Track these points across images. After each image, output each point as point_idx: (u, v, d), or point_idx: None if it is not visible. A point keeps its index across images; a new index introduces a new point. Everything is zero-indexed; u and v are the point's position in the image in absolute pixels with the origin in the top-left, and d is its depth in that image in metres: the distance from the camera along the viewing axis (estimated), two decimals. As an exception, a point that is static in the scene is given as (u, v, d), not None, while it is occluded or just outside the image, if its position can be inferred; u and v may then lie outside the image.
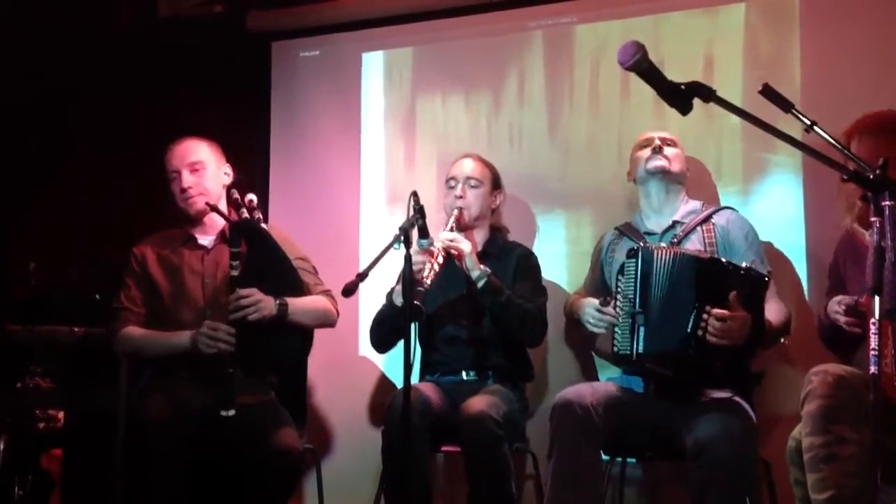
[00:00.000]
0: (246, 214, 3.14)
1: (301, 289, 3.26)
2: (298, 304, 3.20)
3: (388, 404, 3.15)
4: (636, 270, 2.96)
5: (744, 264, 2.90)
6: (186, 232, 3.39)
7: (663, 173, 3.25)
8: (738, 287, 2.81)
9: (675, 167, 3.27)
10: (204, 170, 3.33)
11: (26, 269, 4.18)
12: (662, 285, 2.92)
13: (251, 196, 3.18)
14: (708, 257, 2.97)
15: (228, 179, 3.40)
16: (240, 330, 3.06)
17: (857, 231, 2.89)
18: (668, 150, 3.27)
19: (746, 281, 2.85)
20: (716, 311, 2.78)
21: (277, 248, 3.21)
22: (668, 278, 2.91)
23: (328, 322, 3.36)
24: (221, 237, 3.35)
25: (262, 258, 3.17)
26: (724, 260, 2.92)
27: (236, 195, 3.19)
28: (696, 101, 1.97)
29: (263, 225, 3.20)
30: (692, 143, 3.54)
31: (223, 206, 3.31)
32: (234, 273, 3.08)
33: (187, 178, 3.30)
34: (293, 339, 3.24)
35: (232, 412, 2.97)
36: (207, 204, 3.26)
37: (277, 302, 3.12)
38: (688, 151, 3.41)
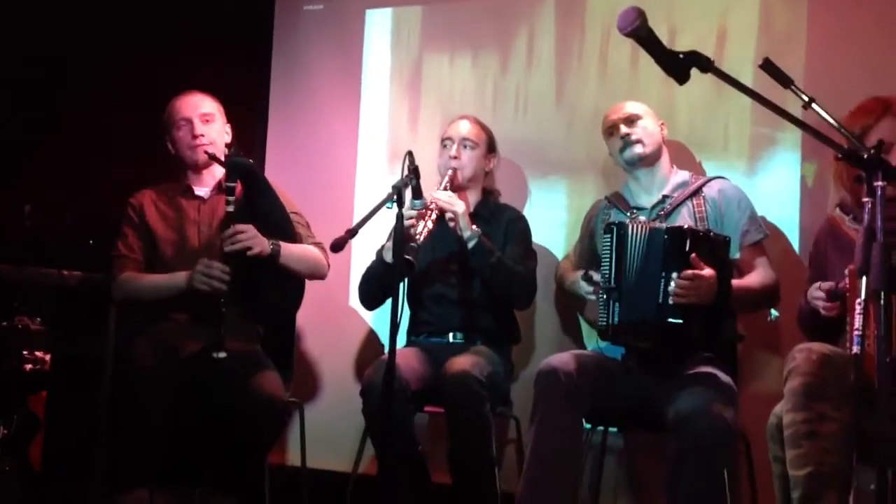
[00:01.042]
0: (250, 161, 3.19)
1: (294, 237, 3.28)
2: (291, 249, 3.22)
3: (366, 379, 3.16)
4: (611, 245, 2.97)
5: (704, 230, 2.95)
6: (183, 183, 3.42)
7: (641, 159, 3.24)
8: (700, 248, 2.84)
9: (650, 144, 3.24)
10: (214, 122, 3.37)
11: (21, 212, 4.17)
12: (635, 259, 2.94)
13: (248, 160, 3.21)
14: (669, 226, 2.97)
15: (228, 139, 3.42)
16: (234, 269, 3.07)
17: (838, 218, 2.88)
18: (636, 131, 3.23)
19: (706, 241, 2.88)
20: (683, 272, 2.81)
21: (273, 192, 3.22)
22: (641, 251, 2.94)
23: (319, 273, 3.37)
24: (218, 188, 3.36)
25: (256, 200, 3.18)
26: (684, 227, 2.93)
27: (232, 148, 3.22)
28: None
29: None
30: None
31: (223, 152, 3.31)
32: (230, 209, 3.09)
33: (200, 127, 3.33)
34: (285, 286, 3.25)
35: (223, 354, 2.99)
36: (206, 152, 3.27)
37: (271, 242, 3.13)
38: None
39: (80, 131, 4.53)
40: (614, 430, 3.47)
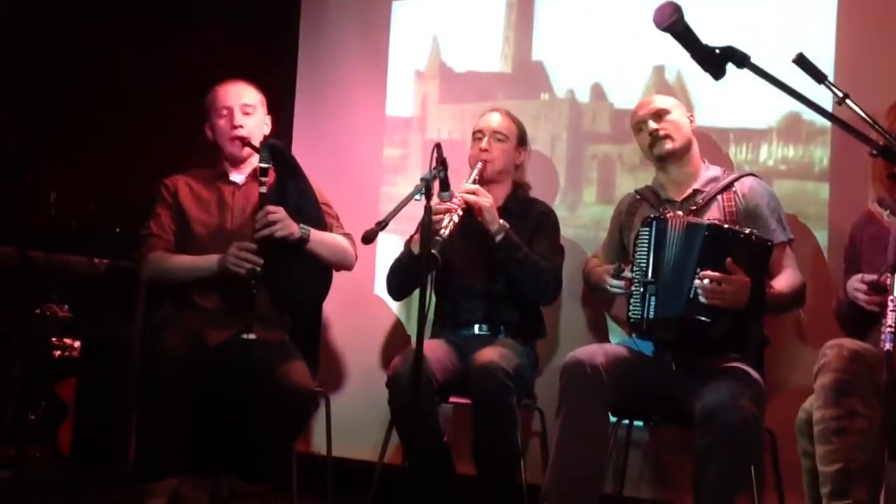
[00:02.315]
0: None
1: (324, 225, 3.30)
2: (320, 237, 3.23)
3: (392, 371, 3.18)
4: (650, 239, 2.96)
5: (746, 230, 2.90)
6: (219, 169, 3.42)
7: (671, 154, 3.23)
8: (737, 251, 2.82)
9: (679, 139, 3.22)
10: (254, 114, 3.37)
11: (47, 199, 4.20)
12: (673, 253, 2.93)
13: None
14: (709, 223, 2.96)
15: (268, 130, 3.43)
16: (264, 250, 3.08)
17: (876, 212, 2.87)
18: (665, 126, 3.21)
19: (746, 245, 2.85)
20: (707, 273, 2.79)
21: (305, 178, 3.24)
22: (679, 246, 2.92)
23: (346, 262, 3.38)
24: (253, 176, 3.35)
25: (289, 185, 3.19)
26: (726, 226, 2.91)
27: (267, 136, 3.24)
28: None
29: None
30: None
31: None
32: (263, 190, 3.11)
33: (240, 117, 3.33)
34: (312, 274, 3.26)
35: (253, 336, 3.00)
36: (242, 140, 3.28)
37: (301, 227, 3.14)
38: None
39: (105, 118, 4.55)
40: (639, 423, 3.47)
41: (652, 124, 3.22)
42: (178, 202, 3.34)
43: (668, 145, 3.21)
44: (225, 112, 3.34)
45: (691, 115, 3.32)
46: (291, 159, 3.22)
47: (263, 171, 3.11)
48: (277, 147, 3.17)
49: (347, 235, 3.39)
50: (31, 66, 4.52)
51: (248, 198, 3.31)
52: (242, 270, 3.07)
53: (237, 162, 3.40)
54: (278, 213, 3.10)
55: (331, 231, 3.34)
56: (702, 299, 2.81)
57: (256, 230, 3.09)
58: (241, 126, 3.31)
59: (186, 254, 3.28)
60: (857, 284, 2.73)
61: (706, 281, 2.80)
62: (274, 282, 3.15)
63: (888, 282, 2.46)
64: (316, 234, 3.20)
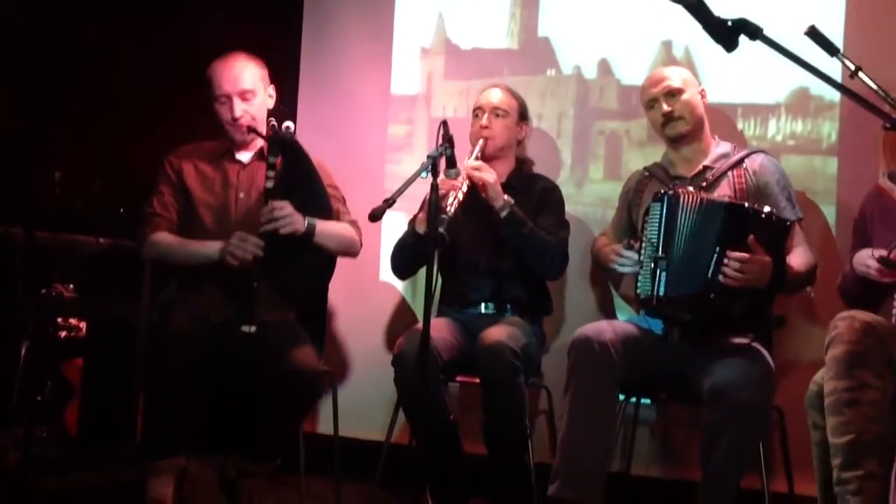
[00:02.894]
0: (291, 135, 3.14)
1: (330, 213, 3.26)
2: (326, 227, 3.20)
3: (397, 349, 3.17)
4: (661, 215, 2.94)
5: (766, 209, 2.87)
6: (224, 146, 3.36)
7: (684, 136, 3.20)
8: (758, 231, 2.79)
9: (692, 119, 3.19)
10: (255, 98, 3.29)
11: (52, 179, 4.18)
12: (686, 230, 2.90)
13: (288, 123, 3.17)
14: (729, 202, 2.93)
15: (272, 103, 3.37)
16: (268, 244, 3.06)
17: (887, 186, 2.85)
18: (678, 107, 3.17)
19: (768, 225, 2.83)
20: (735, 254, 2.77)
21: (312, 168, 3.20)
22: (692, 224, 2.90)
23: (351, 251, 3.36)
24: (258, 155, 3.33)
25: (296, 175, 3.15)
26: (745, 205, 2.89)
27: (273, 122, 3.17)
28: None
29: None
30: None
31: (263, 129, 3.29)
32: (269, 185, 3.08)
33: (239, 106, 3.24)
34: (317, 262, 3.24)
35: (253, 328, 2.98)
36: (249, 128, 3.24)
37: (307, 220, 3.12)
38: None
39: (110, 97, 4.53)
40: (647, 401, 3.47)
41: (665, 105, 3.18)
42: (182, 180, 3.30)
43: (682, 128, 3.18)
44: (224, 100, 3.26)
45: (703, 91, 3.28)
46: (299, 147, 3.17)
47: (271, 166, 3.08)
48: (282, 138, 3.12)
49: (353, 222, 3.36)
50: (36, 47, 4.50)
51: (254, 178, 3.28)
52: (237, 263, 3.04)
53: (241, 145, 3.37)
54: (284, 209, 3.06)
55: (338, 217, 3.31)
56: (721, 278, 2.78)
57: (262, 224, 3.06)
58: (241, 116, 3.24)
59: (189, 233, 3.25)
60: (867, 260, 2.71)
61: (732, 262, 2.77)
62: (277, 273, 3.12)
63: None
64: (322, 226, 3.17)
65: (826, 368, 2.56)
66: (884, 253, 2.67)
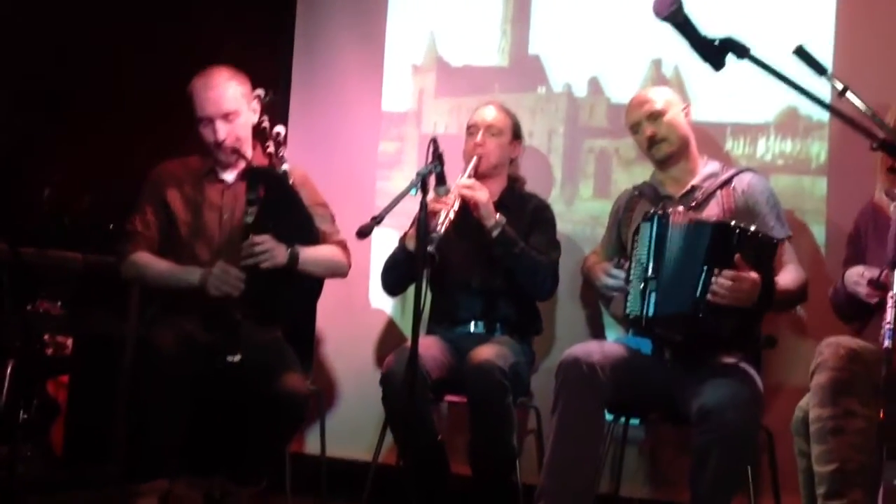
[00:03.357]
0: (271, 149, 3.10)
1: (316, 239, 3.22)
2: (310, 255, 3.16)
3: (385, 368, 3.15)
4: (651, 235, 2.93)
5: (752, 228, 2.87)
6: (208, 164, 3.31)
7: (669, 158, 3.20)
8: (745, 249, 2.78)
9: (677, 140, 3.19)
10: (238, 118, 3.23)
11: (40, 195, 4.16)
12: (676, 250, 2.89)
13: (279, 128, 3.14)
14: (716, 221, 2.93)
15: (256, 117, 3.29)
16: (250, 277, 3.02)
17: (882, 202, 2.84)
18: (661, 129, 3.17)
19: (754, 243, 2.82)
20: (725, 272, 2.76)
21: (295, 196, 3.15)
22: (682, 243, 2.88)
23: (338, 273, 3.33)
24: (243, 175, 3.27)
25: (278, 205, 3.12)
26: (732, 223, 2.88)
27: (266, 123, 3.14)
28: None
29: (286, 166, 3.12)
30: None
31: (249, 141, 3.27)
32: (249, 220, 3.04)
33: (222, 129, 3.19)
34: (301, 289, 3.20)
35: (237, 358, 2.95)
36: (233, 149, 3.21)
37: (289, 251, 3.08)
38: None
39: (100, 114, 4.52)
40: (636, 421, 3.45)
41: (648, 128, 3.18)
42: (165, 199, 3.26)
43: (667, 149, 3.18)
44: (206, 122, 3.21)
45: (687, 109, 3.27)
46: (277, 177, 3.11)
47: (251, 202, 3.04)
48: (261, 172, 3.09)
49: (340, 242, 3.33)
50: (26, 63, 4.48)
51: (237, 197, 3.22)
52: (220, 294, 3.01)
53: (226, 165, 3.33)
54: (265, 243, 3.03)
55: (325, 239, 3.27)
56: (709, 297, 2.77)
57: (242, 258, 3.03)
58: (224, 139, 3.20)
59: (170, 252, 3.22)
60: (857, 279, 2.70)
61: (721, 280, 2.75)
62: (261, 303, 3.09)
63: (889, 279, 2.45)
64: (305, 253, 3.13)
65: (811, 395, 2.54)
66: (874, 275, 2.65)
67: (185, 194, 3.28)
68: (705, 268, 2.79)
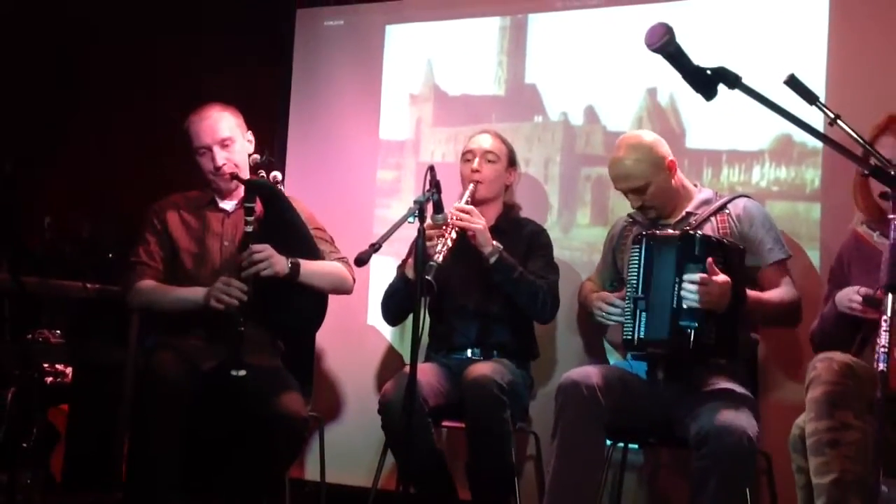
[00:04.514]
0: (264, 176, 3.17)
1: (316, 253, 3.26)
2: (311, 266, 3.20)
3: (383, 397, 3.16)
4: (639, 257, 2.96)
5: (716, 237, 2.93)
6: (208, 195, 3.38)
7: (661, 217, 3.21)
8: (714, 255, 2.82)
9: (667, 202, 3.18)
10: (234, 144, 3.30)
11: (41, 224, 4.19)
12: (661, 270, 2.92)
13: (276, 173, 3.21)
14: (681, 232, 2.96)
15: (251, 147, 3.37)
16: (252, 288, 3.06)
17: (865, 233, 2.87)
18: (648, 200, 3.14)
19: (720, 250, 2.87)
20: (690, 275, 2.80)
21: (292, 209, 3.22)
22: (662, 261, 2.92)
23: (343, 288, 3.35)
24: (242, 202, 3.32)
25: (277, 219, 3.17)
26: (697, 234, 2.92)
27: (257, 158, 3.20)
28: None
29: (280, 187, 3.20)
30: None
31: (247, 169, 3.31)
32: (248, 229, 3.09)
33: (220, 156, 3.26)
34: (306, 302, 3.23)
35: (242, 372, 2.98)
36: (231, 175, 3.26)
37: (290, 262, 3.12)
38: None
39: (100, 144, 4.56)
40: (634, 446, 3.46)
41: (635, 200, 3.18)
42: (167, 230, 3.31)
43: (655, 213, 3.21)
44: (204, 151, 3.27)
45: (672, 163, 3.18)
46: (275, 190, 3.19)
47: (249, 211, 3.10)
48: (259, 183, 3.15)
49: (342, 259, 3.37)
50: (26, 91, 4.53)
51: (237, 226, 3.27)
52: (221, 306, 3.04)
53: (226, 193, 3.38)
54: (264, 251, 3.07)
55: (324, 257, 3.31)
56: (685, 304, 2.81)
57: (242, 269, 3.07)
58: (223, 164, 3.26)
59: (175, 282, 3.26)
60: (852, 296, 2.72)
61: (689, 284, 2.80)
62: (265, 313, 3.13)
63: (882, 297, 2.47)
64: (307, 266, 3.17)
65: (807, 410, 2.56)
66: (870, 292, 2.68)
67: (187, 224, 3.33)
68: (677, 278, 2.84)
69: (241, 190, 3.30)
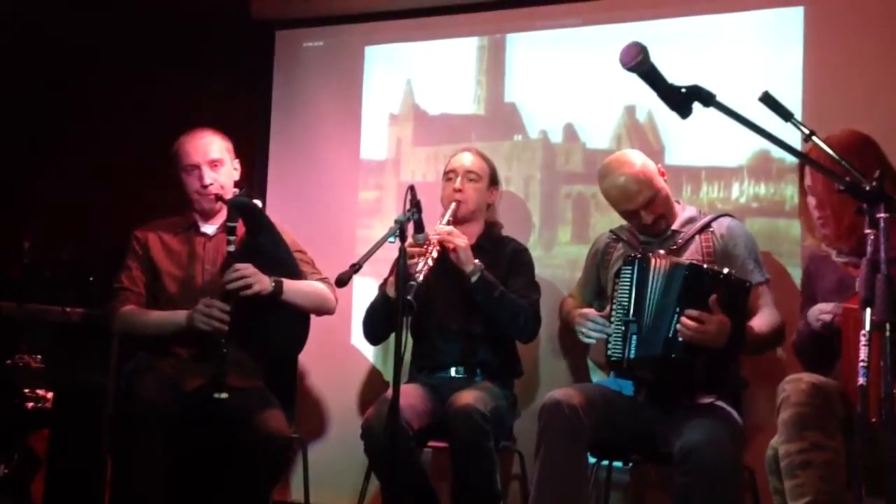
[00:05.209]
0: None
1: (298, 273, 3.27)
2: (294, 285, 3.21)
3: (365, 423, 3.15)
4: (631, 278, 2.97)
5: (725, 270, 2.91)
6: (189, 219, 3.39)
7: (654, 223, 3.22)
8: (718, 291, 2.82)
9: (667, 209, 3.21)
10: (222, 166, 3.33)
11: (20, 248, 4.17)
12: (655, 293, 2.93)
13: (257, 201, 3.24)
14: (690, 263, 2.96)
15: (237, 176, 3.40)
16: (235, 308, 3.06)
17: (822, 250, 2.87)
18: (659, 208, 3.17)
19: (727, 286, 2.86)
20: (688, 311, 2.80)
21: (274, 229, 3.23)
22: (660, 286, 2.92)
23: (326, 307, 3.35)
24: (224, 226, 3.33)
25: (259, 239, 3.18)
26: (705, 266, 2.93)
27: (237, 192, 3.24)
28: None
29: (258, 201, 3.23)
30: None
31: (231, 194, 3.31)
32: (231, 248, 3.10)
33: (209, 175, 3.28)
34: (288, 321, 3.23)
35: (225, 395, 2.97)
36: (216, 196, 3.26)
37: (273, 279, 3.12)
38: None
39: (79, 167, 4.54)
40: (619, 464, 3.45)
41: (648, 216, 3.18)
42: (149, 255, 3.32)
43: (664, 224, 3.22)
44: (192, 169, 3.30)
45: (662, 171, 3.24)
46: (259, 212, 3.21)
47: (231, 230, 3.11)
48: (242, 203, 3.16)
49: (324, 280, 3.37)
50: (4, 112, 4.51)
51: (219, 249, 3.28)
52: (209, 328, 3.04)
53: (209, 215, 3.38)
54: (246, 269, 3.08)
55: (305, 277, 3.31)
56: (680, 338, 2.81)
57: (225, 289, 3.07)
58: (210, 184, 3.28)
59: (157, 307, 3.27)
60: (818, 315, 2.72)
61: (687, 320, 2.80)
62: (248, 334, 3.13)
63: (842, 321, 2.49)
64: (290, 284, 3.18)
65: (778, 432, 2.57)
66: (827, 319, 2.68)
67: (169, 249, 3.34)
68: (678, 309, 2.84)
69: (224, 213, 3.31)
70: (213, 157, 3.31)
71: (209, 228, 3.38)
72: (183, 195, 3.37)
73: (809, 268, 2.95)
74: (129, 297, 3.28)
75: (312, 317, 3.34)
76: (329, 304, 3.36)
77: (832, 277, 2.78)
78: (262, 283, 3.10)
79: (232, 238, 3.11)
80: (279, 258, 3.22)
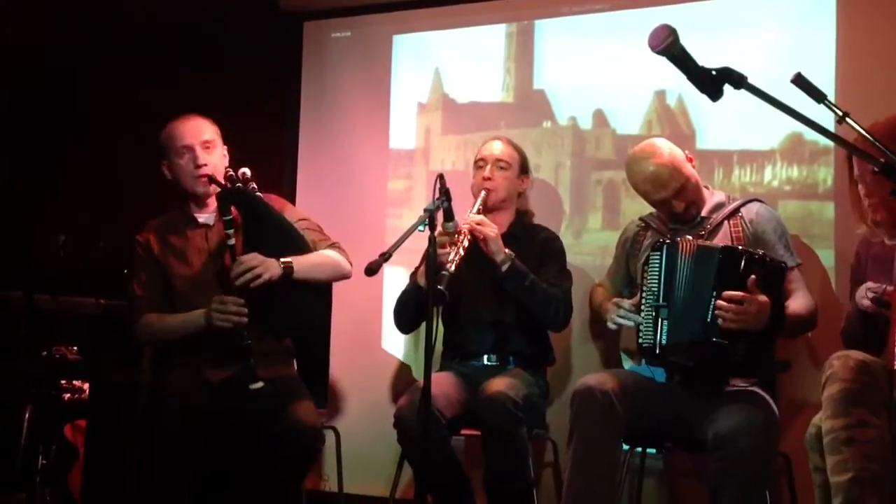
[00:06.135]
0: (239, 185, 3.12)
1: (305, 246, 3.21)
2: (305, 261, 3.15)
3: (397, 412, 3.15)
4: (660, 263, 2.95)
5: (760, 252, 2.88)
6: (186, 213, 3.34)
7: (685, 211, 3.19)
8: (755, 273, 2.79)
9: (698, 196, 3.18)
10: (215, 149, 3.29)
11: (56, 242, 4.21)
12: (686, 278, 2.91)
13: (244, 169, 3.14)
14: (723, 245, 2.94)
15: (226, 163, 3.32)
16: (249, 298, 3.04)
17: (875, 236, 2.84)
18: (690, 195, 3.14)
19: (762, 267, 2.83)
20: (729, 293, 2.77)
21: (269, 210, 3.17)
22: (692, 270, 2.90)
23: (341, 273, 3.30)
24: (220, 217, 3.24)
25: (256, 224, 3.14)
26: (740, 248, 2.90)
27: (230, 172, 3.16)
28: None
29: (252, 185, 3.14)
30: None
31: (223, 176, 3.26)
32: (231, 242, 3.08)
33: (203, 156, 3.24)
34: (307, 298, 3.20)
35: (260, 384, 2.97)
36: (209, 177, 3.22)
37: (282, 262, 3.09)
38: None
39: (113, 159, 4.57)
40: (652, 451, 3.44)
41: (679, 204, 3.15)
42: (154, 256, 3.28)
43: (695, 211, 3.19)
44: (185, 151, 3.24)
45: (691, 158, 3.21)
46: (250, 197, 3.12)
47: (228, 224, 3.08)
48: (230, 192, 3.11)
49: (334, 245, 3.32)
50: (37, 108, 4.55)
51: (222, 237, 3.20)
52: (230, 325, 3.03)
53: (202, 200, 3.33)
54: (252, 260, 3.04)
55: (315, 246, 3.27)
56: (720, 322, 2.78)
57: (234, 283, 3.04)
58: (205, 164, 3.23)
59: (173, 307, 3.24)
60: (864, 292, 2.70)
61: (727, 302, 2.77)
62: (270, 321, 3.12)
63: (890, 298, 2.46)
64: (300, 261, 3.13)
65: (823, 408, 2.54)
66: (878, 289, 2.66)
67: (171, 246, 3.29)
68: (715, 293, 2.81)
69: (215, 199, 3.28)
70: (206, 139, 3.26)
71: (207, 218, 3.32)
72: (175, 185, 3.32)
73: (860, 253, 2.93)
74: (145, 304, 3.24)
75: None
76: (344, 268, 3.30)
77: (884, 262, 2.74)
78: (271, 269, 3.06)
79: (230, 231, 3.08)
80: (283, 237, 3.17)
